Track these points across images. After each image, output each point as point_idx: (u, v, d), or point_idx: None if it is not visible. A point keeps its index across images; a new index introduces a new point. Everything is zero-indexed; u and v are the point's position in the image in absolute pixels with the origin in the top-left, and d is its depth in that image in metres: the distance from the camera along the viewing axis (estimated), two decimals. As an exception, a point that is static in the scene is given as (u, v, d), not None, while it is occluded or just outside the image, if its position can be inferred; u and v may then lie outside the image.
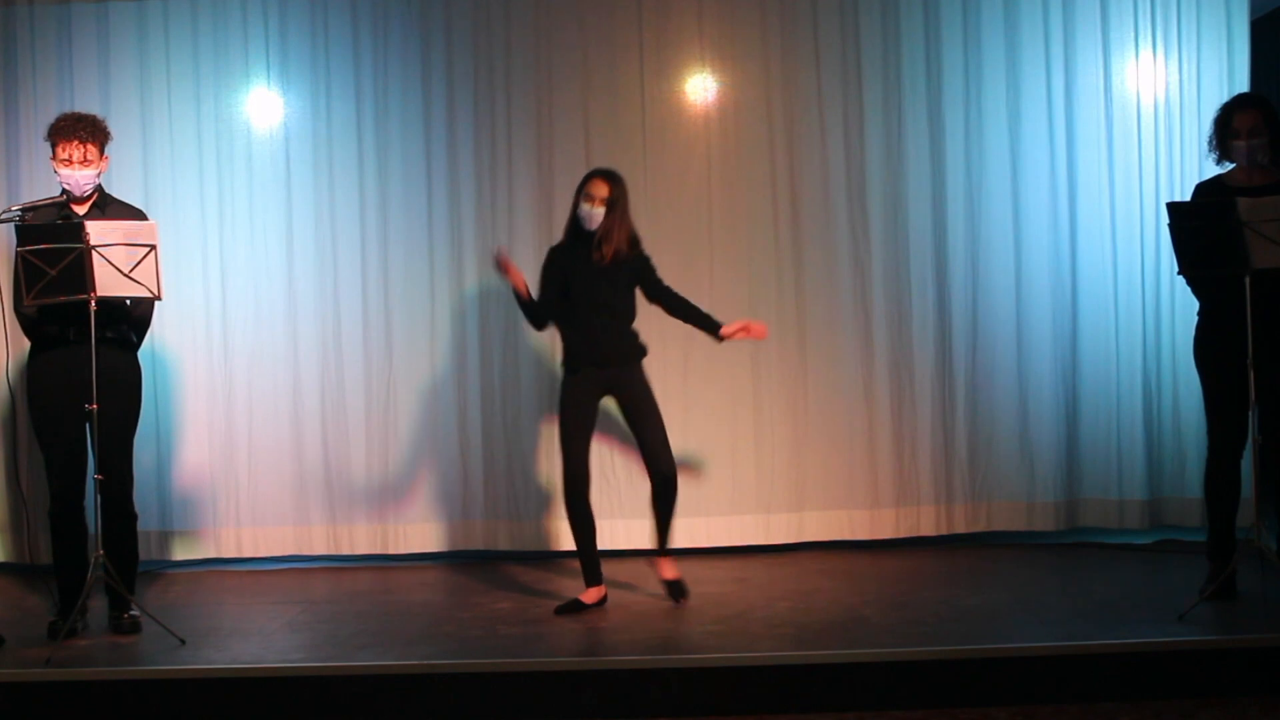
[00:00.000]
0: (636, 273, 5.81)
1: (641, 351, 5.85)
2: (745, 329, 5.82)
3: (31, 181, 6.72)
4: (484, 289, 6.94)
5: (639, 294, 5.86)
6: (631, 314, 5.84)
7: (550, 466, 6.94)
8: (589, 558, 5.83)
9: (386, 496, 6.92)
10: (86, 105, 6.18)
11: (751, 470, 6.91)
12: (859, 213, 6.95)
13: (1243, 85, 6.72)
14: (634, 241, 5.81)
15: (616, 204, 5.73)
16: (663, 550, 5.87)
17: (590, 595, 5.82)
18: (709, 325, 5.83)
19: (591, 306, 5.73)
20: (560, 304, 5.79)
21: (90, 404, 5.20)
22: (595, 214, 5.71)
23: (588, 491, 5.75)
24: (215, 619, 5.75)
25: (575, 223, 5.78)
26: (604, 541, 6.86)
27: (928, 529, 6.91)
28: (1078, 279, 6.91)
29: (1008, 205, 6.93)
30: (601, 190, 5.72)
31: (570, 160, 6.92)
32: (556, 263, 5.85)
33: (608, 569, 6.42)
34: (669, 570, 5.88)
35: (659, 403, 5.83)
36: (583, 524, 5.79)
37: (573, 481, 5.73)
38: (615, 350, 5.77)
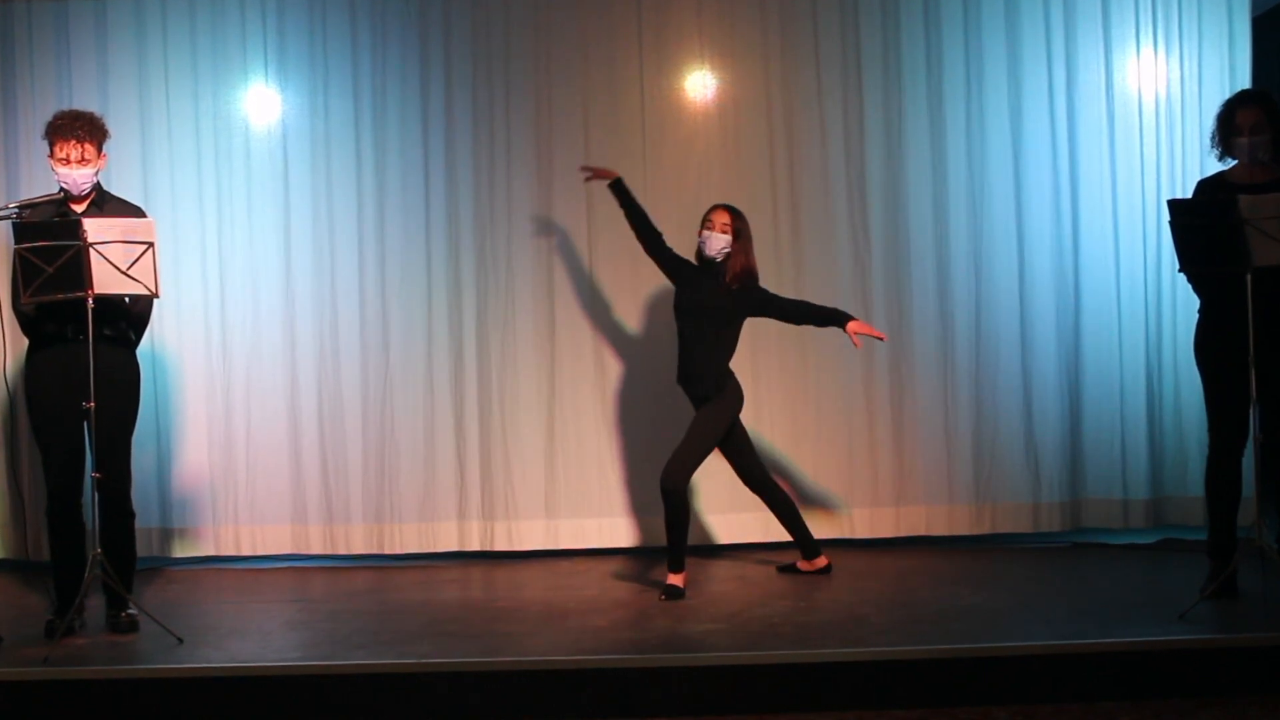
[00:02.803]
0: (754, 306, 6.04)
1: (719, 391, 6.02)
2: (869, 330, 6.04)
3: (30, 179, 6.70)
4: (482, 287, 6.92)
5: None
6: (725, 349, 6.05)
7: (549, 465, 6.93)
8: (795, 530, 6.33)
9: (384, 495, 6.90)
10: (85, 103, 6.16)
11: (751, 468, 6.90)
12: (859, 210, 6.94)
13: (1244, 82, 6.71)
14: (750, 276, 6.02)
15: (741, 234, 5.99)
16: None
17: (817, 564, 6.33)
18: (837, 320, 6.04)
19: (695, 333, 6.03)
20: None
21: (88, 402, 5.18)
22: (714, 239, 5.98)
23: (758, 481, 6.25)
24: (213, 618, 5.74)
25: (699, 252, 6.07)
26: (607, 539, 6.91)
27: (930, 529, 6.90)
28: (1080, 277, 6.89)
29: (1010, 203, 6.91)
30: (723, 217, 6.01)
31: (569, 157, 6.90)
32: (682, 268, 6.13)
33: (614, 566, 6.43)
34: (670, 578, 5.97)
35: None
36: (775, 509, 6.29)
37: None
38: (699, 383, 6.04)
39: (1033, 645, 4.89)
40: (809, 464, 6.93)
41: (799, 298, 6.89)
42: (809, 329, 6.83)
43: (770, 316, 6.14)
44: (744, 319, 6.11)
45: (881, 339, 6.21)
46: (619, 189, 6.18)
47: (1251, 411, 5.29)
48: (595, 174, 6.27)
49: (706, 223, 6.04)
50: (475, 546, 6.92)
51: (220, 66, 6.91)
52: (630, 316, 6.94)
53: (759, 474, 6.26)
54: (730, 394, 6.07)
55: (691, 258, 6.14)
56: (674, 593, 5.87)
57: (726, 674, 4.81)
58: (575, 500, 6.94)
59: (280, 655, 5.11)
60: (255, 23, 6.92)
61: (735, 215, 6.05)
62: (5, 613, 5.82)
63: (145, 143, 6.88)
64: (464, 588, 6.38)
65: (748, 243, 6.03)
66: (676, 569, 5.94)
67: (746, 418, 6.89)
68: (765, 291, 6.09)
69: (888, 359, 6.92)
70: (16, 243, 5.12)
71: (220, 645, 5.25)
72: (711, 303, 6.01)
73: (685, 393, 6.14)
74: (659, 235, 6.19)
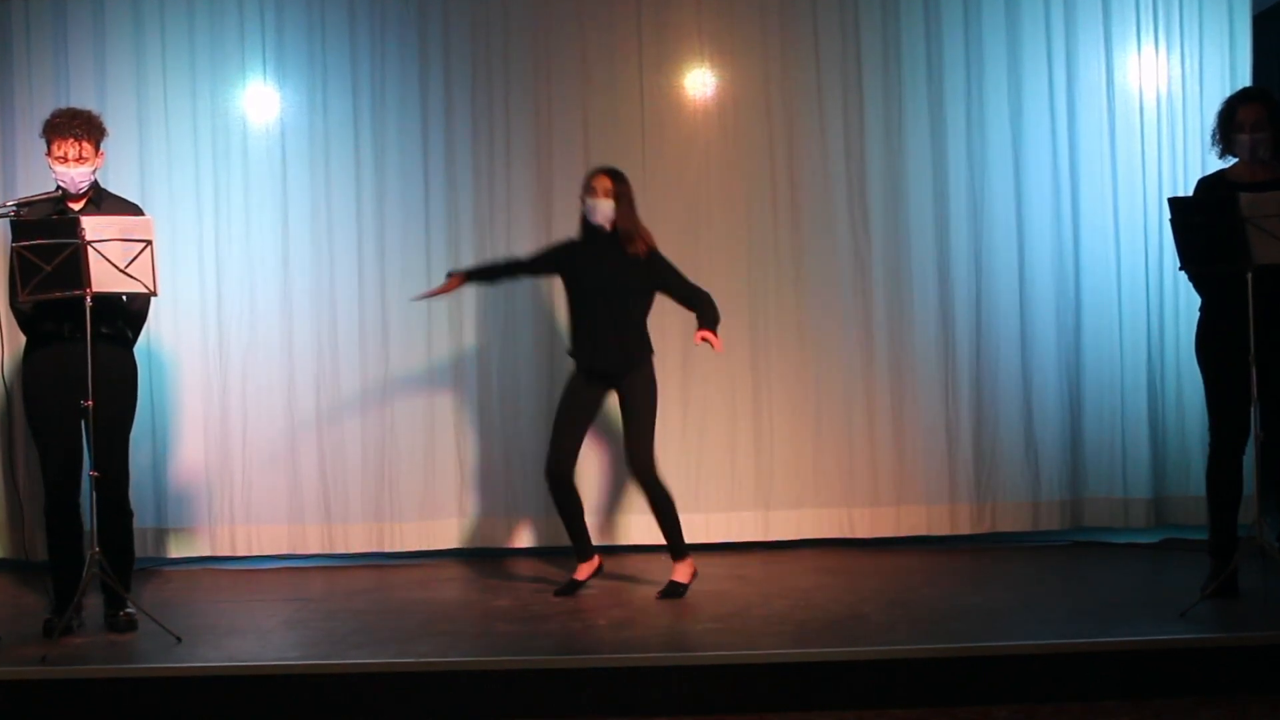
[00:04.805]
0: (659, 277, 5.85)
1: (644, 357, 5.86)
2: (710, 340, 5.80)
3: (28, 177, 6.67)
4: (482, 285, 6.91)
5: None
6: (640, 317, 5.88)
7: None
8: (576, 536, 6.01)
9: (382, 494, 6.89)
10: (82, 101, 6.15)
11: (751, 467, 6.89)
12: (859, 208, 6.92)
13: (1245, 80, 6.71)
14: (648, 240, 5.86)
15: (622, 198, 5.78)
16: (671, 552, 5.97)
17: (583, 571, 5.99)
18: (702, 320, 5.83)
19: (605, 312, 5.80)
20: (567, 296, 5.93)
21: (86, 401, 5.17)
22: (601, 206, 5.77)
23: (569, 477, 5.92)
24: (211, 617, 5.73)
25: (585, 221, 5.86)
26: (612, 537, 6.89)
27: (930, 528, 6.88)
28: (1081, 275, 6.89)
29: (1010, 201, 6.91)
30: (604, 183, 5.79)
31: (569, 155, 6.89)
32: (568, 253, 5.93)
33: (614, 564, 6.41)
34: (675, 572, 5.94)
35: (659, 399, 5.87)
36: (564, 507, 5.97)
37: (551, 470, 5.91)
38: (618, 358, 5.82)
39: (1033, 644, 4.88)
40: (809, 464, 6.91)
41: (797, 297, 6.94)
42: (807, 319, 6.85)
43: (665, 293, 5.88)
44: (650, 288, 5.88)
45: (717, 349, 5.82)
46: (475, 277, 6.01)
47: (1252, 410, 5.28)
48: (442, 292, 6.01)
49: (589, 190, 5.80)
50: (475, 544, 6.91)
51: (218, 64, 6.89)
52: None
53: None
54: (651, 364, 5.87)
55: (586, 229, 5.89)
56: (674, 590, 5.84)
57: (726, 673, 4.80)
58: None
59: (279, 654, 5.10)
60: (253, 20, 6.90)
61: (615, 179, 5.80)
62: (3, 612, 5.81)
63: (143, 141, 6.86)
64: (463, 586, 6.37)
65: (629, 206, 5.79)
66: (680, 555, 5.91)
67: (747, 415, 6.91)
68: (668, 263, 5.86)
69: (887, 357, 6.90)
70: (14, 241, 5.11)
71: (219, 644, 5.24)
72: (623, 277, 5.78)
73: (593, 377, 5.86)
74: (525, 261, 6.08)
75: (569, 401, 5.92)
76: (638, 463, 5.83)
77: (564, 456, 5.90)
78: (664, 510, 5.88)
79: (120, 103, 6.79)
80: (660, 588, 5.90)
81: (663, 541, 6.78)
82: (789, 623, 5.35)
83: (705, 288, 6.79)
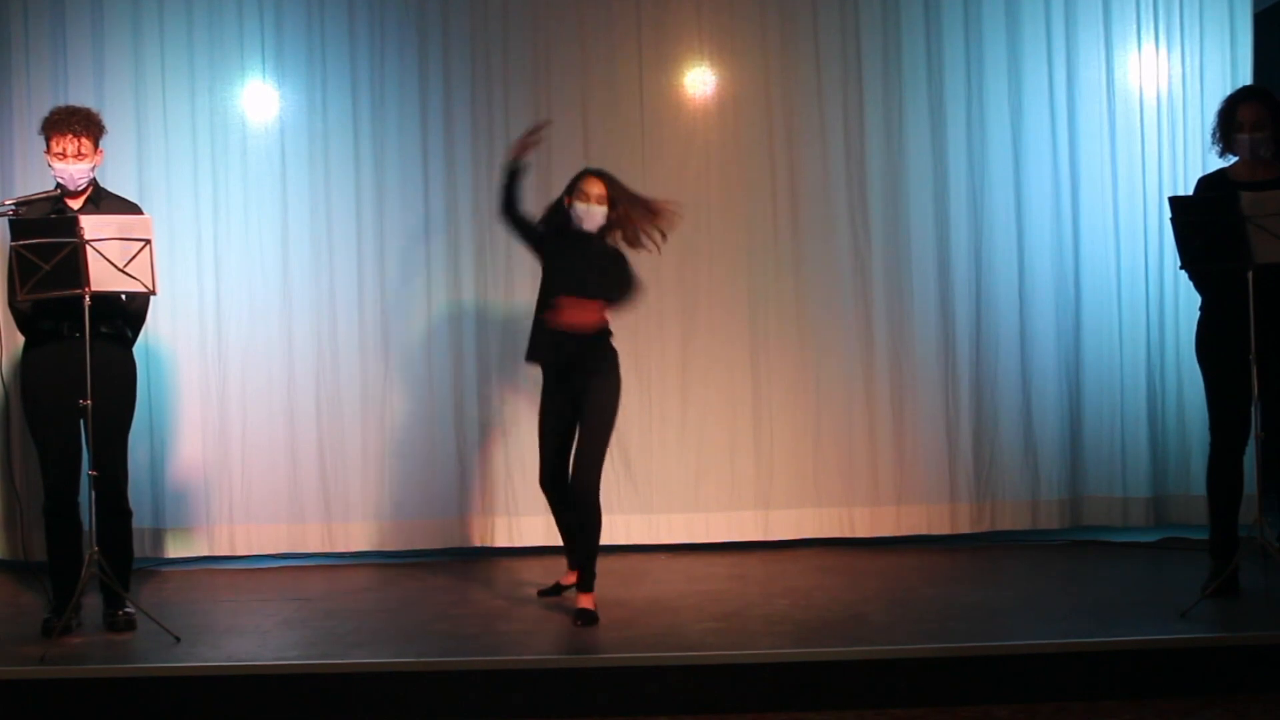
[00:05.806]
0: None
1: (613, 361, 5.62)
2: None
3: (26, 175, 6.67)
4: (481, 284, 6.90)
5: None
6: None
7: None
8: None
9: (382, 492, 6.88)
10: (81, 98, 6.14)
11: (751, 466, 6.88)
12: (859, 207, 6.92)
13: (1246, 78, 6.70)
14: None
15: (618, 201, 5.60)
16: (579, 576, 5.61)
17: (572, 576, 5.77)
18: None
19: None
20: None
21: (84, 400, 5.16)
22: (595, 212, 5.55)
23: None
24: (210, 616, 5.72)
25: (565, 218, 5.63)
26: (606, 537, 6.87)
27: (930, 527, 6.87)
28: (1080, 274, 6.89)
29: (1010, 199, 6.90)
30: (597, 189, 5.59)
31: (568, 153, 6.86)
32: (550, 233, 5.70)
33: (614, 564, 6.40)
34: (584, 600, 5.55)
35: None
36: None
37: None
38: (587, 357, 5.55)
39: (1034, 644, 4.88)
40: (809, 463, 6.90)
41: (797, 297, 6.92)
42: (807, 319, 6.83)
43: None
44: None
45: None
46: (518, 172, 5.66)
47: (1253, 409, 5.28)
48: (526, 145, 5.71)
49: (580, 194, 5.57)
50: (475, 543, 6.90)
51: (217, 62, 6.88)
52: (627, 312, 6.89)
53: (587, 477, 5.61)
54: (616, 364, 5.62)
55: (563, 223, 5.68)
56: (591, 617, 5.47)
57: (726, 672, 4.80)
58: (574, 498, 6.92)
59: (278, 654, 5.09)
60: (253, 19, 6.89)
61: (609, 182, 5.62)
62: (2, 611, 5.81)
63: (141, 140, 6.84)
64: (463, 586, 6.36)
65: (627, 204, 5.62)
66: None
67: (747, 415, 6.90)
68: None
69: (887, 356, 6.90)
70: (13, 240, 5.11)
71: (217, 644, 5.24)
72: (589, 267, 5.56)
73: (558, 373, 5.60)
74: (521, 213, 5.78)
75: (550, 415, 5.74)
76: (581, 480, 5.57)
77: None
78: (590, 533, 5.58)
79: (118, 102, 6.77)
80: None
81: (661, 541, 6.80)
82: (789, 623, 5.35)
83: (706, 288, 6.88)
